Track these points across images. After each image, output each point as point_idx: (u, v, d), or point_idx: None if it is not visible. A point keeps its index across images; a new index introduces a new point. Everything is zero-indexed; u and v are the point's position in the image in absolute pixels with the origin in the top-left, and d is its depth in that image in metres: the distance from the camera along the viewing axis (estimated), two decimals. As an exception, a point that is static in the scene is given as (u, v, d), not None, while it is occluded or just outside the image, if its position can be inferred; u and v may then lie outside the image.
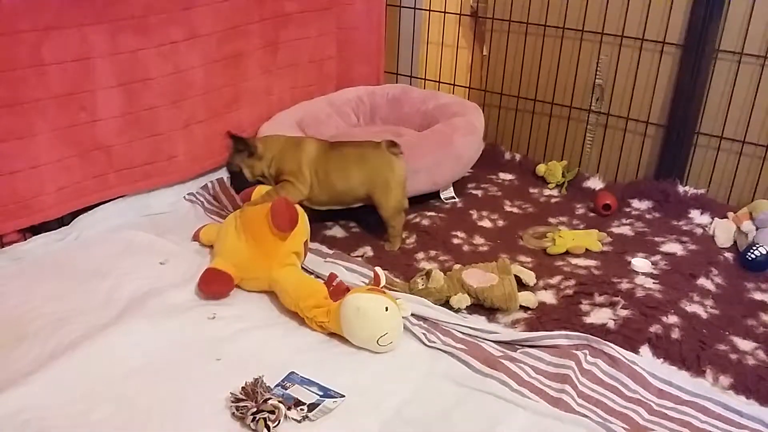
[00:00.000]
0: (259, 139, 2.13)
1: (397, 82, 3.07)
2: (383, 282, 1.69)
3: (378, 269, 1.71)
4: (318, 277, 1.90)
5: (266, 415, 1.36)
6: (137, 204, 2.21)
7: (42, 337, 1.59)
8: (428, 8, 3.04)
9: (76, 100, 1.96)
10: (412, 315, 1.73)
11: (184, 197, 2.33)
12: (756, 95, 2.34)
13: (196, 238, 2.07)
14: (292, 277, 1.77)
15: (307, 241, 1.91)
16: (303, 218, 1.89)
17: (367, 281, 1.88)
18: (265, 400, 1.38)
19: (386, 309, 1.60)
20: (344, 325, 1.61)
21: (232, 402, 1.41)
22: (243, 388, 1.42)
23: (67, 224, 2.07)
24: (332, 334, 1.67)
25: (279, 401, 1.39)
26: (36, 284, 1.80)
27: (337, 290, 1.67)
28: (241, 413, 1.38)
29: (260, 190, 2.07)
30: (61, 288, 1.79)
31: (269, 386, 1.44)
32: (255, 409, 1.37)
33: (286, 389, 1.46)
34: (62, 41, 1.88)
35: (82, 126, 2.00)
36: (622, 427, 1.43)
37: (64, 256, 1.94)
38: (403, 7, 3.04)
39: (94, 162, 2.06)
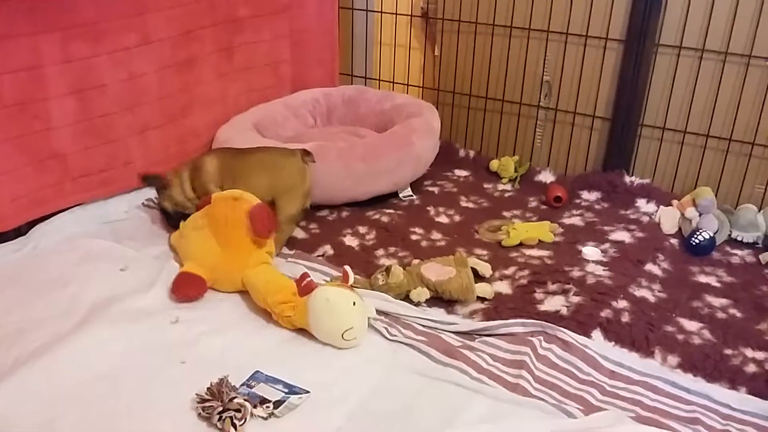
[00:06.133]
0: (171, 171, 2.14)
1: (352, 84, 3.10)
2: (352, 280, 1.72)
3: (347, 268, 1.74)
4: (280, 277, 1.93)
5: (232, 413, 1.38)
6: (95, 211, 2.20)
7: (3, 347, 1.58)
8: (380, 10, 3.08)
9: (29, 109, 1.95)
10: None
11: (142, 203, 2.32)
12: (695, 87, 2.44)
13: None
14: (263, 276, 1.80)
15: (281, 241, 1.97)
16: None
17: (329, 279, 1.91)
18: (231, 399, 1.40)
19: (353, 304, 1.64)
20: (311, 316, 1.64)
21: (198, 402, 1.42)
22: (208, 388, 1.43)
23: (24, 234, 2.05)
24: (296, 333, 1.70)
25: (245, 400, 1.41)
26: (-6, 296, 1.79)
27: (307, 288, 1.69)
28: (207, 413, 1.40)
29: (218, 196, 2.06)
30: (20, 298, 1.78)
31: (234, 386, 1.46)
32: (221, 409, 1.39)
33: (252, 388, 1.49)
34: (13, 50, 1.87)
35: (36, 135, 1.98)
36: (577, 408, 1.49)
37: (23, 267, 1.92)
38: (355, 9, 3.08)
39: (50, 171, 2.05)
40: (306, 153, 2.14)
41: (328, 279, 1.91)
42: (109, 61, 2.10)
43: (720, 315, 1.86)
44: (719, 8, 2.33)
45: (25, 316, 1.70)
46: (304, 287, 1.69)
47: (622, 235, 2.25)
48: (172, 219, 2.12)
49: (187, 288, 1.81)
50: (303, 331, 1.70)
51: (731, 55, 2.35)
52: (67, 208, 2.14)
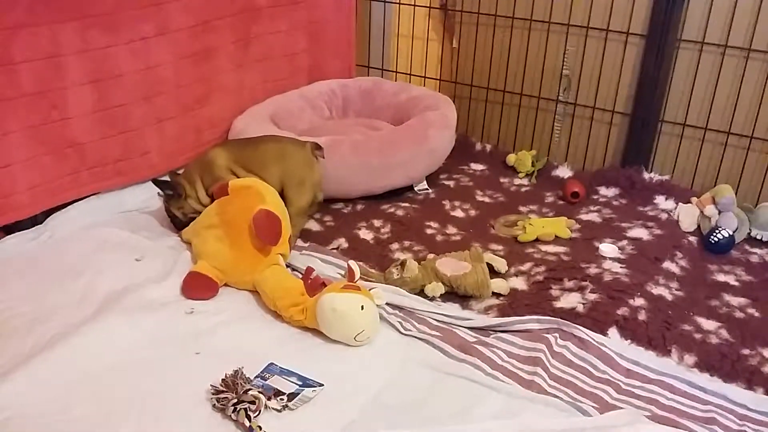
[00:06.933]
0: (181, 175, 2.10)
1: (368, 75, 3.09)
2: (357, 276, 1.71)
3: (351, 262, 1.73)
4: (294, 270, 1.93)
5: (247, 405, 1.38)
6: (111, 201, 2.20)
7: (19, 336, 1.59)
8: (398, 1, 3.07)
9: (48, 98, 1.95)
10: (388, 304, 1.76)
11: (158, 193, 2.33)
12: (717, 83, 2.41)
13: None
14: (271, 278, 1.78)
15: (291, 236, 1.94)
16: (285, 218, 1.91)
17: (342, 273, 1.91)
18: (246, 391, 1.41)
19: (362, 308, 1.62)
20: (321, 324, 1.64)
21: (213, 394, 1.43)
22: (223, 380, 1.44)
23: (41, 223, 2.06)
24: (310, 326, 1.70)
25: (259, 392, 1.42)
26: (10, 284, 1.79)
27: (314, 285, 1.68)
28: (221, 405, 1.40)
29: (234, 184, 2.06)
30: (36, 287, 1.79)
31: (249, 377, 1.47)
32: (236, 400, 1.39)
33: (266, 380, 1.49)
34: (32, 39, 1.87)
35: (54, 124, 1.99)
36: (592, 407, 1.48)
37: (39, 255, 1.93)
38: (373, 0, 3.06)
39: (67, 160, 2.06)
40: (317, 147, 2.13)
41: (342, 273, 1.91)
42: (126, 51, 2.10)
43: (738, 314, 1.84)
44: (743, 4, 2.30)
45: (40, 306, 1.71)
46: (311, 285, 1.68)
47: (640, 232, 2.23)
48: (179, 222, 2.09)
49: (198, 290, 1.80)
50: (317, 324, 1.70)
51: (754, 52, 2.32)
52: (84, 198, 2.15)
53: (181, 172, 2.17)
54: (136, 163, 2.24)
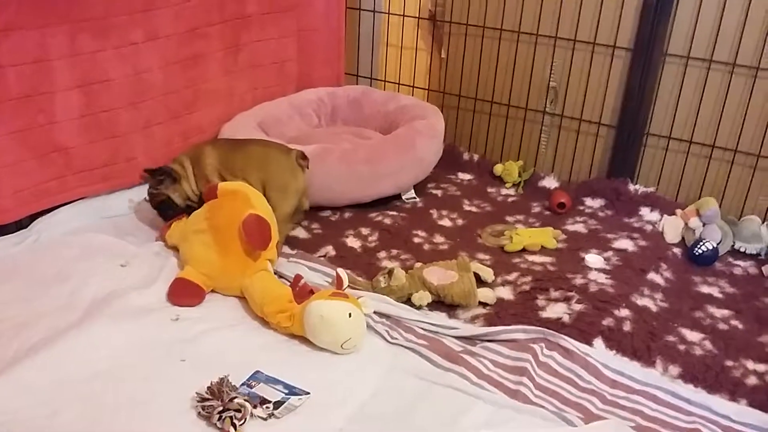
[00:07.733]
0: (175, 161, 2.12)
1: (357, 84, 3.10)
2: (346, 284, 1.71)
3: (340, 270, 1.73)
4: (282, 277, 1.92)
5: (232, 413, 1.38)
6: (97, 206, 2.20)
7: (3, 341, 1.58)
8: (387, 11, 3.08)
9: (34, 103, 1.94)
10: (375, 313, 1.76)
11: (144, 199, 2.31)
12: (702, 97, 2.43)
13: (161, 238, 2.06)
14: (258, 284, 1.78)
15: (279, 242, 1.94)
16: (273, 224, 1.90)
17: (330, 280, 1.91)
18: (231, 399, 1.40)
19: (349, 315, 1.62)
20: (308, 331, 1.64)
21: (198, 402, 1.42)
22: (209, 387, 1.43)
23: (26, 227, 2.05)
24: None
25: (245, 400, 1.41)
26: (-6, 288, 1.78)
27: (302, 292, 1.68)
28: (207, 413, 1.40)
29: (223, 187, 2.05)
30: (20, 291, 1.77)
31: (235, 385, 1.46)
32: (221, 408, 1.39)
33: (252, 388, 1.48)
34: (20, 43, 1.86)
35: (40, 128, 1.98)
36: (577, 416, 1.49)
37: (23, 260, 1.92)
38: (363, 9, 3.07)
39: (53, 164, 2.05)
40: (302, 156, 2.13)
41: (329, 281, 1.91)
42: (115, 56, 2.10)
43: (722, 326, 1.85)
44: (728, 19, 2.33)
45: (25, 310, 1.69)
46: (299, 292, 1.68)
47: (625, 244, 2.24)
48: (170, 211, 2.09)
49: (184, 297, 1.79)
50: (304, 332, 1.69)
51: (739, 67, 2.35)
52: (69, 202, 2.14)
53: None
54: (123, 169, 2.23)
